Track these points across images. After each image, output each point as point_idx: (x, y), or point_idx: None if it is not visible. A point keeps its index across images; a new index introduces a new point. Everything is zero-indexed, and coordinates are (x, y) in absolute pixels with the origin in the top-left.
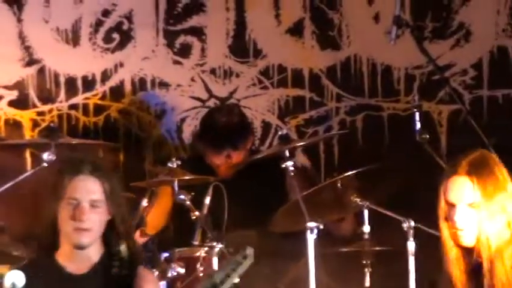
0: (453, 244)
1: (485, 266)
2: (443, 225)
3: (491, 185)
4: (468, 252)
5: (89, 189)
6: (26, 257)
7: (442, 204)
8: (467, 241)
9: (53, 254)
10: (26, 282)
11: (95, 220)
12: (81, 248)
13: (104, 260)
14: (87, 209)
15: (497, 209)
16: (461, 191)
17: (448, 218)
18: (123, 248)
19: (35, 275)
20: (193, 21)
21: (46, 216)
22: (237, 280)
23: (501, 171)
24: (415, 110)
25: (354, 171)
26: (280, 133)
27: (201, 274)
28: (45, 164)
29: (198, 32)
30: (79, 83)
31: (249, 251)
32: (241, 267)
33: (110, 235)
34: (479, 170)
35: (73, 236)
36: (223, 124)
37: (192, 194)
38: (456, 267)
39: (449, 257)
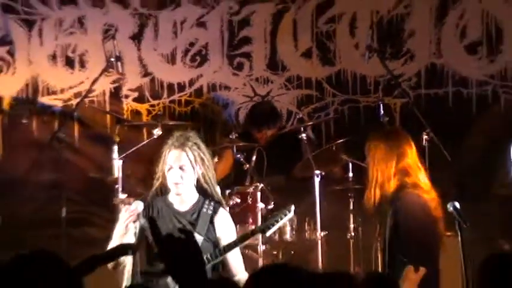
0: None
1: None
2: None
3: (377, 153)
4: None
5: (178, 159)
6: (146, 194)
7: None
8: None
9: (166, 196)
10: (150, 213)
11: (184, 178)
12: (179, 195)
13: (198, 202)
14: (177, 172)
15: (378, 171)
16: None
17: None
18: (209, 194)
19: (153, 208)
20: (244, 49)
21: (158, 174)
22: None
23: (392, 144)
24: (380, 102)
25: (342, 140)
26: (298, 117)
27: (250, 203)
28: (155, 137)
29: (247, 55)
30: (175, 87)
31: (292, 207)
32: (285, 218)
33: (201, 187)
34: (373, 142)
35: (173, 188)
36: (263, 113)
37: (244, 154)
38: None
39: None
